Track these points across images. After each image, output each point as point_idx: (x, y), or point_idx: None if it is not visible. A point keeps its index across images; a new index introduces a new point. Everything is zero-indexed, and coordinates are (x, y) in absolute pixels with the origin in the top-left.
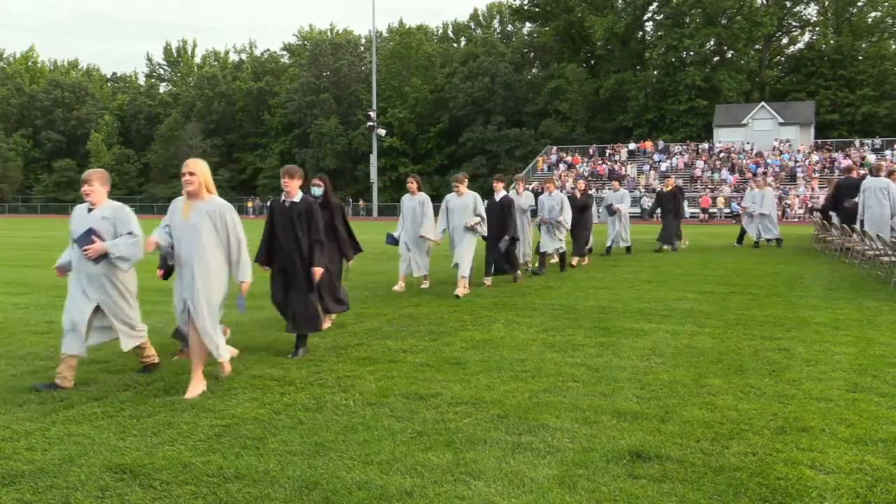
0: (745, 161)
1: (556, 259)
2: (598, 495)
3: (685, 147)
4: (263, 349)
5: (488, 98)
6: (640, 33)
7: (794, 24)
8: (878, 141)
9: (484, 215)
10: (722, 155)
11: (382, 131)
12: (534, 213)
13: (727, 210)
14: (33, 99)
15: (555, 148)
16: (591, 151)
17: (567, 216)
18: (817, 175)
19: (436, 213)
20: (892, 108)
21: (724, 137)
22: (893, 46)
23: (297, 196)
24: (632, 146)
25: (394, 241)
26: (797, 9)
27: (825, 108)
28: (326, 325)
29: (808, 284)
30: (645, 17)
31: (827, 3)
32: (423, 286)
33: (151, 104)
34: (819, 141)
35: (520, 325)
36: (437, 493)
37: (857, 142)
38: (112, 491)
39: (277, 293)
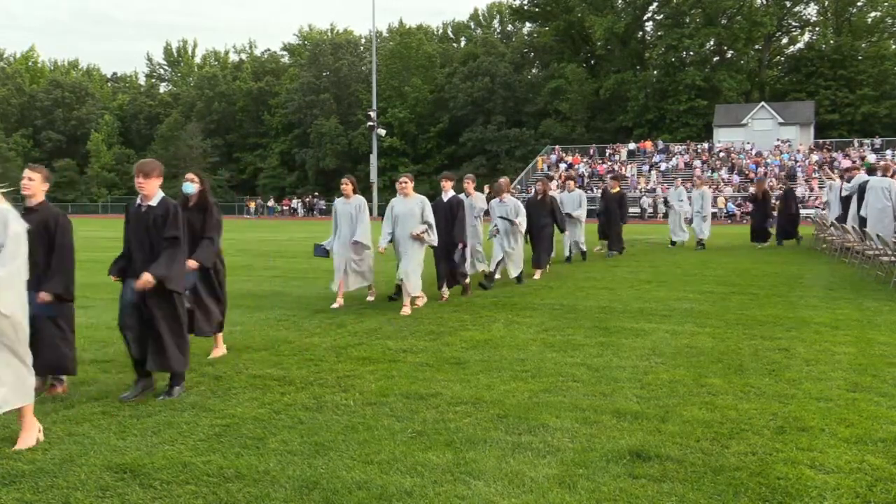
0: (745, 161)
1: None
2: (598, 495)
3: (685, 147)
4: (263, 349)
5: (488, 98)
6: (640, 33)
7: (793, 24)
8: (878, 141)
9: (432, 221)
10: (722, 155)
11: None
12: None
13: (727, 210)
14: (33, 99)
15: (557, 147)
16: (591, 152)
17: (522, 222)
18: (817, 175)
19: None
20: (892, 108)
21: (724, 137)
22: (893, 46)
23: (156, 198)
24: (632, 146)
25: (323, 253)
26: (797, 9)
27: (825, 108)
28: (218, 352)
29: (808, 284)
30: (645, 17)
31: (827, 3)
32: (368, 299)
33: (151, 104)
34: (819, 141)
35: (520, 325)
36: (437, 492)
37: (855, 142)
38: (112, 490)
39: (128, 316)
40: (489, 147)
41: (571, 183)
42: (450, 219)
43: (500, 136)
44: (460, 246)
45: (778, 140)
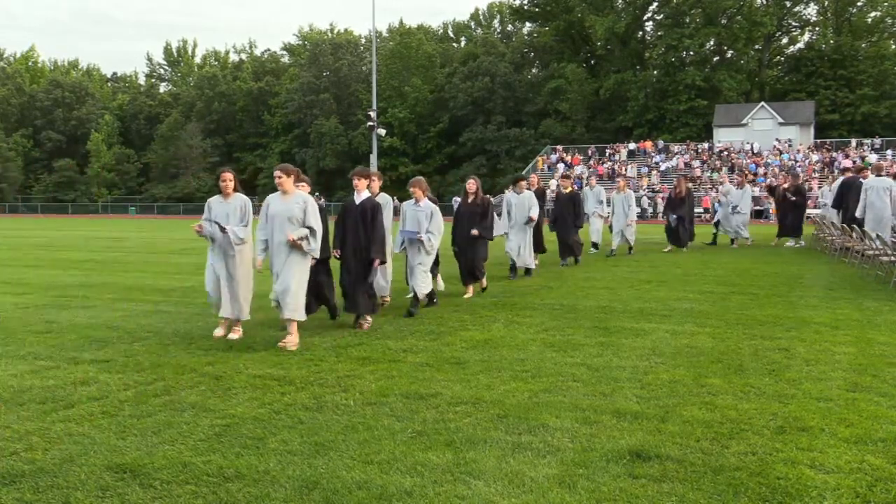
0: (745, 161)
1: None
2: (598, 495)
3: (685, 147)
4: (263, 349)
5: (488, 98)
6: (640, 33)
7: (793, 24)
8: (877, 141)
9: (317, 226)
10: (723, 154)
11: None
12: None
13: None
14: (33, 99)
15: (559, 147)
16: (589, 152)
17: (436, 229)
18: (817, 175)
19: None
20: (892, 108)
21: (723, 137)
22: (893, 46)
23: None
24: (632, 146)
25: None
26: (797, 9)
27: (825, 108)
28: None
29: (808, 284)
30: (645, 17)
31: (827, 3)
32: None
33: (151, 104)
34: (819, 141)
35: (520, 325)
36: (437, 492)
37: (853, 141)
38: (112, 490)
39: None
40: (489, 147)
41: (522, 183)
42: (362, 226)
43: (500, 136)
44: (376, 263)
45: (778, 140)
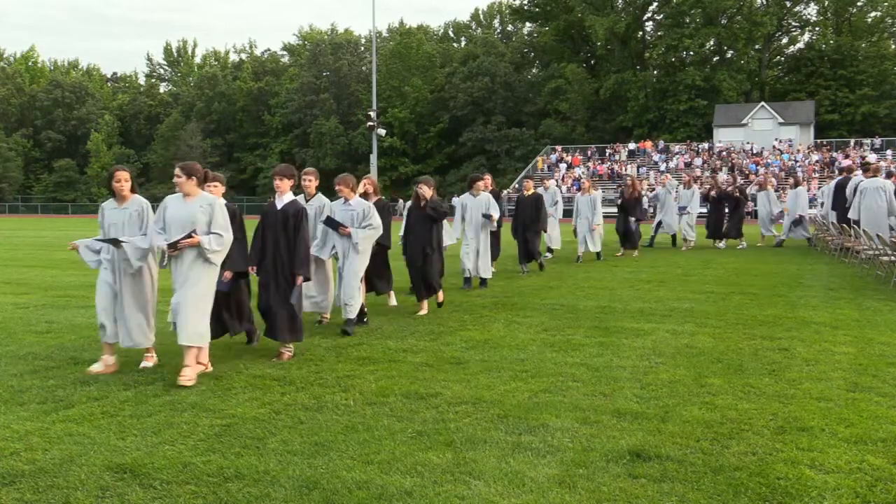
0: (745, 161)
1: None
2: (598, 495)
3: (685, 147)
4: (263, 349)
5: (488, 98)
6: (640, 33)
7: (793, 24)
8: (877, 141)
9: (226, 235)
10: (723, 154)
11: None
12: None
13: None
14: (33, 99)
15: (559, 147)
16: (588, 152)
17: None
18: (817, 175)
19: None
20: (892, 108)
21: (724, 137)
22: (893, 46)
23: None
24: (632, 146)
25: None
26: (797, 9)
27: (825, 108)
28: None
29: (808, 284)
30: (645, 17)
31: (827, 3)
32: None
33: (151, 104)
34: (819, 141)
35: (520, 325)
36: (437, 492)
37: (852, 141)
38: (112, 491)
39: None
40: (489, 147)
41: (479, 184)
42: (283, 237)
43: (500, 135)
44: (298, 280)
45: (778, 140)
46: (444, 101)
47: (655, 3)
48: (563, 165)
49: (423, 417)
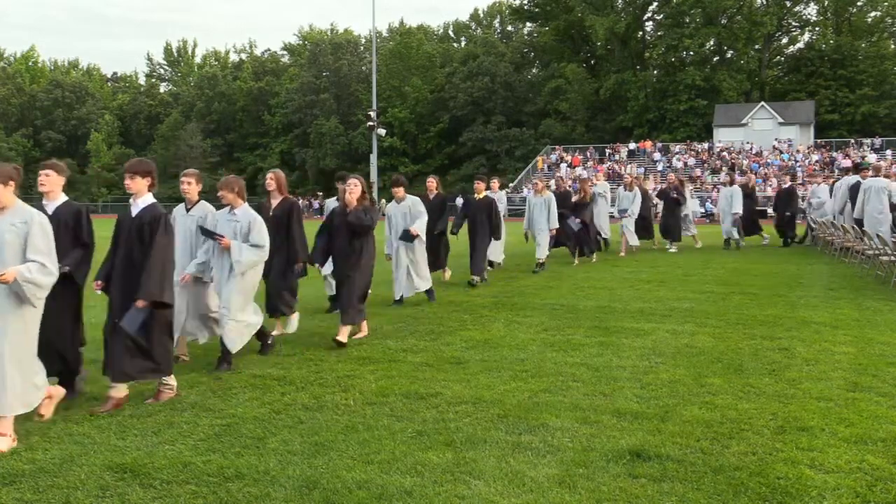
0: (745, 161)
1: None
2: (598, 495)
3: (685, 147)
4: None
5: (488, 98)
6: (640, 33)
7: (794, 23)
8: (878, 141)
9: (47, 259)
10: (724, 155)
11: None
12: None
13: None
14: (33, 99)
15: (559, 147)
16: (588, 152)
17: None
18: (818, 174)
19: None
20: (892, 108)
21: (723, 137)
22: (893, 46)
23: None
24: (632, 146)
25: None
26: (797, 9)
27: (825, 108)
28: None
29: (808, 284)
30: (645, 17)
31: (827, 3)
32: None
33: (152, 104)
34: (819, 141)
35: (520, 325)
36: (437, 492)
37: (852, 141)
38: (112, 490)
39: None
40: (489, 147)
41: (397, 189)
42: (138, 250)
43: (500, 135)
44: (140, 304)
45: (778, 140)
46: (444, 101)
47: (655, 3)
48: (563, 165)
49: (423, 417)
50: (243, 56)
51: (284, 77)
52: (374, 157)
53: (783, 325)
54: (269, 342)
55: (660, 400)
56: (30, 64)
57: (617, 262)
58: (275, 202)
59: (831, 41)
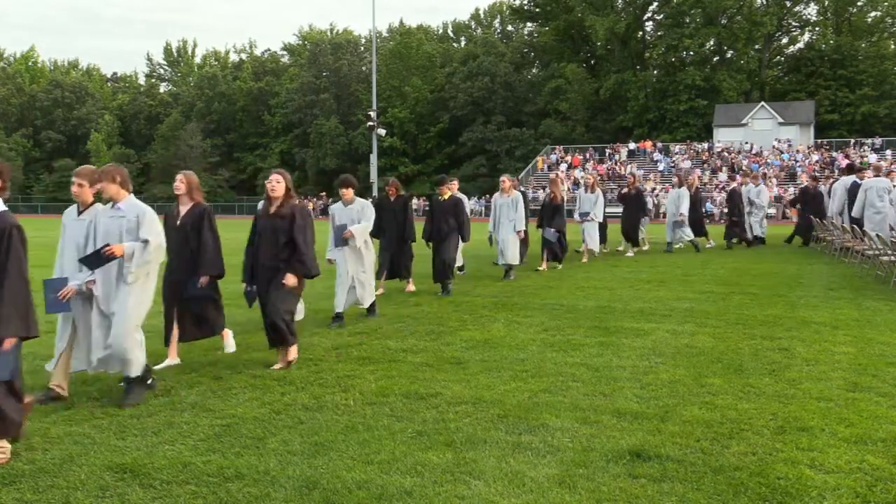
0: (745, 161)
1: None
2: (598, 495)
3: (685, 147)
4: (264, 349)
5: (488, 98)
6: (640, 33)
7: (794, 24)
8: (878, 141)
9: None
10: (724, 155)
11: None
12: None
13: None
14: (33, 99)
15: (559, 147)
16: (588, 153)
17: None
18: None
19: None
20: (892, 108)
21: (723, 137)
22: (893, 46)
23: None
24: (632, 146)
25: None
26: (797, 9)
27: (825, 108)
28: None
29: (808, 284)
30: (645, 17)
31: (827, 3)
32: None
33: (151, 104)
34: (819, 141)
35: (520, 325)
36: (437, 492)
37: (852, 141)
38: (112, 490)
39: None
40: (489, 147)
41: (345, 191)
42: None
43: (500, 135)
44: (6, 344)
45: (778, 140)
46: (444, 101)
47: (655, 3)
48: (563, 165)
49: (423, 417)
50: (243, 56)
51: (284, 77)
52: (374, 157)
53: (783, 325)
54: (149, 382)
55: (660, 400)
56: (30, 64)
57: (617, 262)
58: (183, 209)
59: (831, 41)
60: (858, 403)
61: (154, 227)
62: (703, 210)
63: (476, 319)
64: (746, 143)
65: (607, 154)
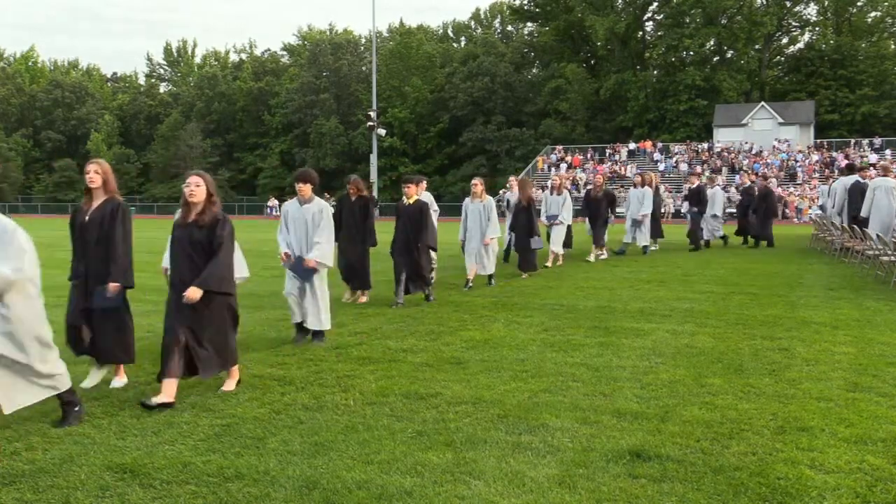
0: (745, 162)
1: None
2: (598, 495)
3: (685, 147)
4: (263, 349)
5: (488, 98)
6: (640, 33)
7: (794, 24)
8: (877, 141)
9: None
10: (725, 155)
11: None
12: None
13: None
14: (33, 99)
15: (559, 147)
16: (588, 153)
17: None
18: (817, 175)
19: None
20: (892, 108)
21: (723, 137)
22: (893, 46)
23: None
24: (632, 146)
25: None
26: (797, 9)
27: (825, 108)
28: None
29: (808, 284)
30: (645, 17)
31: (827, 3)
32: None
33: (151, 104)
34: (819, 141)
35: (520, 325)
36: (437, 492)
37: (852, 141)
38: (112, 490)
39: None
40: (489, 147)
41: (302, 186)
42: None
43: (500, 135)
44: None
45: (778, 140)
46: (444, 101)
47: (655, 3)
48: (563, 165)
49: (423, 417)
50: (243, 56)
51: (284, 77)
52: (374, 157)
53: (783, 325)
54: (76, 410)
55: (660, 400)
56: (30, 64)
57: (617, 262)
58: (95, 203)
59: (831, 41)
60: (858, 403)
61: (17, 256)
62: (662, 211)
63: (476, 319)
64: (746, 143)
65: (607, 154)
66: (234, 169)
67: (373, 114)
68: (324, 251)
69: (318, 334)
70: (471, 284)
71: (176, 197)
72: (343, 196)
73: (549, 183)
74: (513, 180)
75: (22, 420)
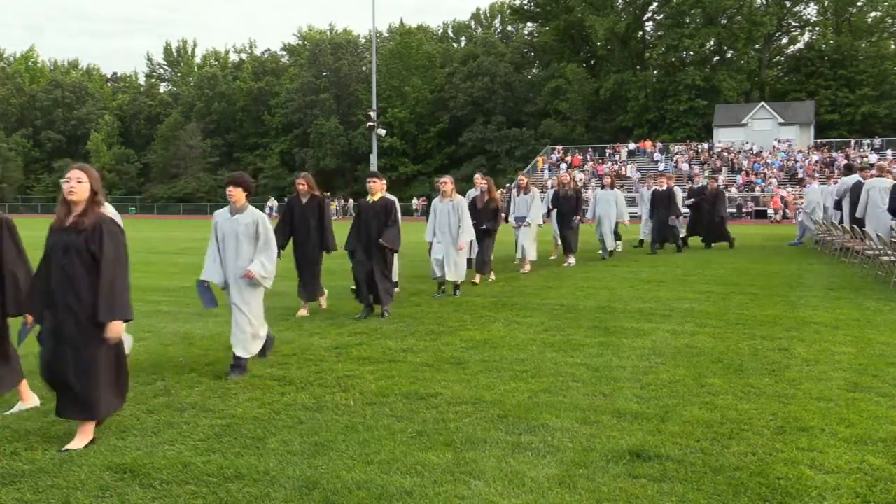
0: (745, 162)
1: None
2: (598, 495)
3: (685, 147)
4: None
5: (488, 98)
6: (640, 33)
7: (794, 24)
8: (877, 141)
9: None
10: (725, 155)
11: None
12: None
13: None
14: (33, 99)
15: (559, 147)
16: (588, 153)
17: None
18: (817, 175)
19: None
20: (892, 108)
21: (723, 137)
22: (893, 46)
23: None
24: (632, 146)
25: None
26: (797, 9)
27: (825, 108)
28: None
29: (808, 284)
30: (645, 17)
31: (827, 3)
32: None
33: (151, 104)
34: (819, 141)
35: (520, 325)
36: (437, 492)
37: (852, 141)
38: (112, 490)
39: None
40: (489, 147)
41: (234, 190)
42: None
43: (500, 136)
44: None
45: (778, 140)
46: (444, 101)
47: (655, 3)
48: (563, 165)
49: (423, 417)
50: (243, 56)
51: (284, 77)
52: (374, 158)
53: (783, 325)
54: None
55: (660, 400)
56: (30, 64)
57: (617, 262)
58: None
59: (831, 41)
60: (858, 403)
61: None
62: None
63: (476, 319)
64: (746, 143)
65: (607, 154)
66: (234, 169)
67: (373, 114)
68: (269, 270)
69: (263, 350)
70: (444, 289)
71: (176, 197)
72: (292, 196)
73: (518, 181)
74: (478, 178)
75: (22, 420)
